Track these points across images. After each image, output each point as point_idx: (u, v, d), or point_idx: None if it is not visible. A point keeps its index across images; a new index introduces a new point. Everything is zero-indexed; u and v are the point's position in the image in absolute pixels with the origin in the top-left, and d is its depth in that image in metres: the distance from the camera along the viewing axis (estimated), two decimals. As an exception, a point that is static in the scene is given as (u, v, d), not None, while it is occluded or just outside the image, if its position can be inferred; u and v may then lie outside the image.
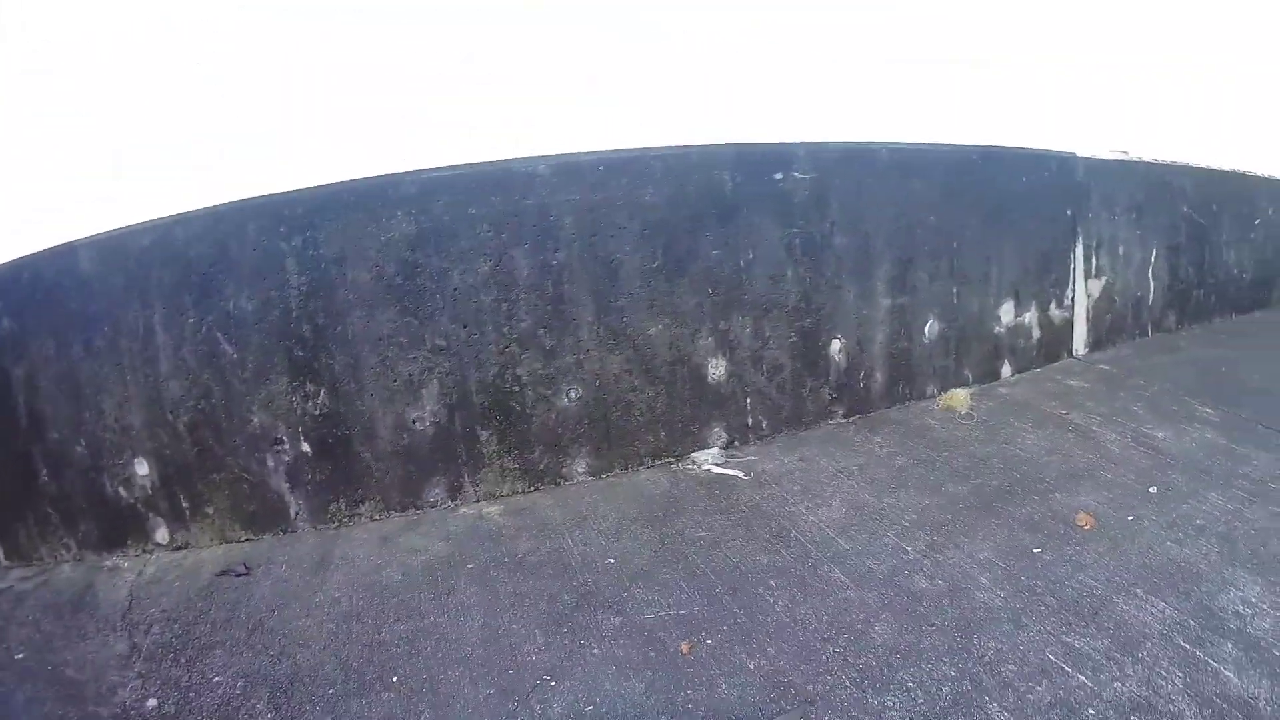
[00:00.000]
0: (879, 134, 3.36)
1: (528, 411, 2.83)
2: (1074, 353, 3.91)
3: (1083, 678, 1.69)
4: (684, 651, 1.90)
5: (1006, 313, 3.58)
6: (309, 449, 2.84)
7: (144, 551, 3.15)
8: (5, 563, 3.55)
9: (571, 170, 2.81)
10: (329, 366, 2.79)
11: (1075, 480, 2.66)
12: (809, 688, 1.75)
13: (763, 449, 3.06)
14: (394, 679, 2.01)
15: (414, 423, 2.81)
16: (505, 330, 2.79)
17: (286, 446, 2.85)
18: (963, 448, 3.02)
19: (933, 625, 1.93)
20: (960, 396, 3.33)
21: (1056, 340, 3.84)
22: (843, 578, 2.21)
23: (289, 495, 2.89)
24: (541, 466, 2.87)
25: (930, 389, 3.40)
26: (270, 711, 1.97)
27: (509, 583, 2.39)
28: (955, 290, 3.40)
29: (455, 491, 2.85)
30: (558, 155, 2.83)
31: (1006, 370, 3.61)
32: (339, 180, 2.81)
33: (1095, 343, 3.97)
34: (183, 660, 2.30)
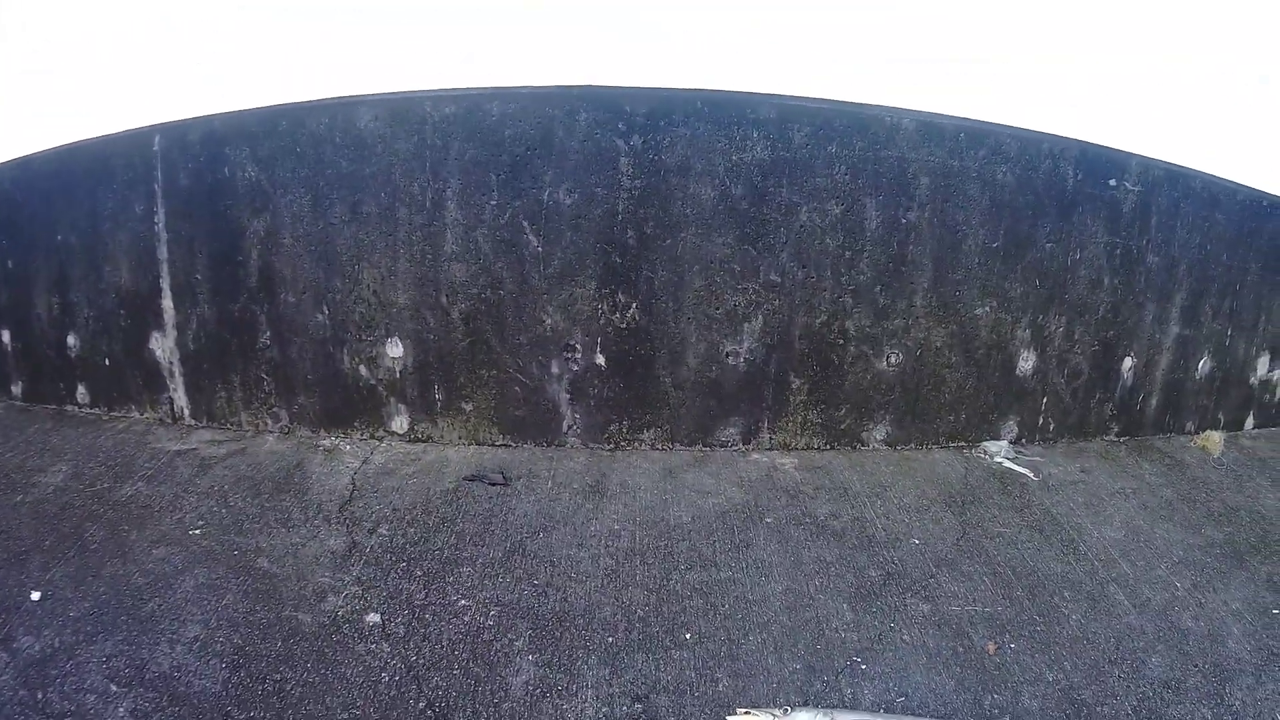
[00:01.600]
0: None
1: (845, 367, 2.68)
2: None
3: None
4: (990, 651, 1.85)
5: (1262, 365, 3.51)
6: (603, 362, 2.66)
7: (372, 438, 2.94)
8: (191, 421, 3.28)
9: (934, 130, 2.65)
10: (648, 280, 2.61)
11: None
12: (1098, 709, 1.71)
13: (1046, 451, 2.96)
14: (686, 635, 1.83)
15: (727, 356, 2.65)
16: (844, 279, 2.63)
17: (579, 355, 2.67)
18: (1217, 493, 2.98)
19: (1196, 666, 1.90)
20: (1215, 439, 3.26)
21: (1291, 402, 3.79)
22: (1125, 602, 2.16)
23: (566, 406, 2.72)
24: (843, 426, 2.73)
25: (1189, 424, 3.32)
26: (533, 652, 1.73)
27: (812, 547, 2.26)
28: (1229, 332, 3.32)
29: (750, 435, 2.71)
30: (920, 112, 2.67)
31: (1249, 422, 3.55)
32: (689, 86, 2.61)
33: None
34: (417, 573, 2.03)
